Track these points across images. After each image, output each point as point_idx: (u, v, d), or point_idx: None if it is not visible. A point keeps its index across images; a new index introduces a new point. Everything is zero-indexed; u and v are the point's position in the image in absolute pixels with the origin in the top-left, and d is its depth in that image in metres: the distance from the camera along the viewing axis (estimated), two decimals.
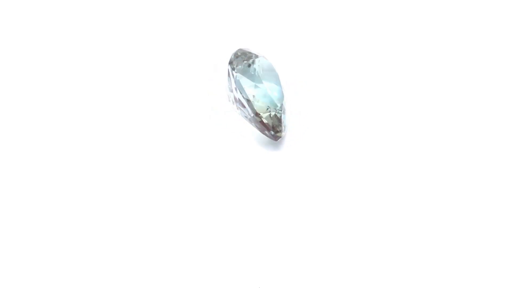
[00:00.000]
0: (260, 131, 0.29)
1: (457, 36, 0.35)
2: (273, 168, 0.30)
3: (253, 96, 0.29)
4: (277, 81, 0.30)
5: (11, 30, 0.36)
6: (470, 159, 0.30)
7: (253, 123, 0.30)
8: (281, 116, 0.29)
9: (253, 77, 0.29)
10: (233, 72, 0.29)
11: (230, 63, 0.30)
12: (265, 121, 0.29)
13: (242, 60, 0.30)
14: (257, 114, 0.29)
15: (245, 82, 0.29)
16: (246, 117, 0.30)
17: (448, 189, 0.29)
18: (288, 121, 0.30)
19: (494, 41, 0.35)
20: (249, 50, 0.30)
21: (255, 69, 0.29)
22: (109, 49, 0.35)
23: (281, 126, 0.29)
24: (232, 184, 0.29)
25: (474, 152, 0.30)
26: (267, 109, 0.29)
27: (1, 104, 0.32)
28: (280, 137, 0.29)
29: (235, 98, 0.30)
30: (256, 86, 0.29)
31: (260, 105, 0.29)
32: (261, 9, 0.37)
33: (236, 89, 0.29)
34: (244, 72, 0.29)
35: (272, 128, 0.29)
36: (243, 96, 0.29)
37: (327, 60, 0.35)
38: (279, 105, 0.29)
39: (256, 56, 0.30)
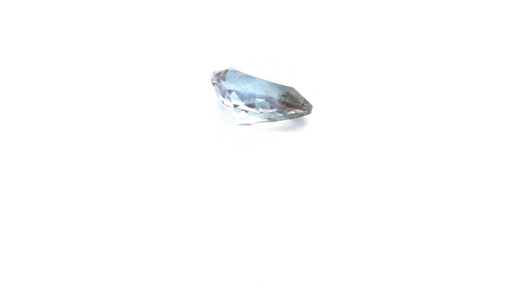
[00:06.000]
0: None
1: (470, 41, 0.35)
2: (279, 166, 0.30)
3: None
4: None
5: (11, 30, 0.36)
6: (486, 160, 0.30)
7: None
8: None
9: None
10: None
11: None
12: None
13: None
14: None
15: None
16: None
17: (451, 188, 0.29)
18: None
19: (495, 42, 0.35)
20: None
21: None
22: (105, 55, 0.35)
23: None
24: (235, 185, 0.29)
25: (490, 154, 0.30)
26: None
27: (1, 104, 0.32)
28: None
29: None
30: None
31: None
32: (260, 11, 0.37)
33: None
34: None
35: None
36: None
37: (328, 60, 0.35)
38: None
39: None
